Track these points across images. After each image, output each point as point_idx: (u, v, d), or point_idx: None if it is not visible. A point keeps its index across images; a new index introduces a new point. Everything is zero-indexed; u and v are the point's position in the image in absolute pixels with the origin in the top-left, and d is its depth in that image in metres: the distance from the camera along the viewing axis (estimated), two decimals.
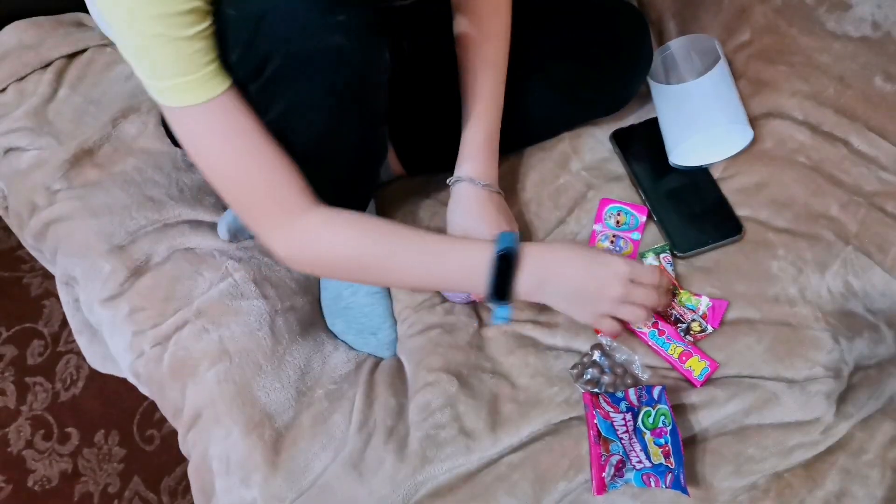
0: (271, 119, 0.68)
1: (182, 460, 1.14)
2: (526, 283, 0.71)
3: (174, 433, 0.86)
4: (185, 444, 0.84)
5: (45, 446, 1.20)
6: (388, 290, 0.90)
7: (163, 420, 1.19)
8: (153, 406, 1.18)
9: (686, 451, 0.75)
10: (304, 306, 0.89)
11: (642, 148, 0.97)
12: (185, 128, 0.65)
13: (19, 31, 1.08)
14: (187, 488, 1.13)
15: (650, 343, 0.82)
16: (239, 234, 0.91)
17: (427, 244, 0.72)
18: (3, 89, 1.04)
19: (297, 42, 0.62)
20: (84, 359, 1.10)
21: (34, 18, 1.10)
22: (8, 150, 1.00)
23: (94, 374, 1.22)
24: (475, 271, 0.70)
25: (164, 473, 1.16)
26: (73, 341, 1.23)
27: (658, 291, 0.76)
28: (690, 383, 0.81)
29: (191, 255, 0.89)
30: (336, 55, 0.63)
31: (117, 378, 0.99)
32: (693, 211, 0.92)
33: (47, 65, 1.06)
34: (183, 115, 0.63)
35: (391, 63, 0.71)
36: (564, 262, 0.73)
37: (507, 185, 0.96)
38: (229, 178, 0.66)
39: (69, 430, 1.21)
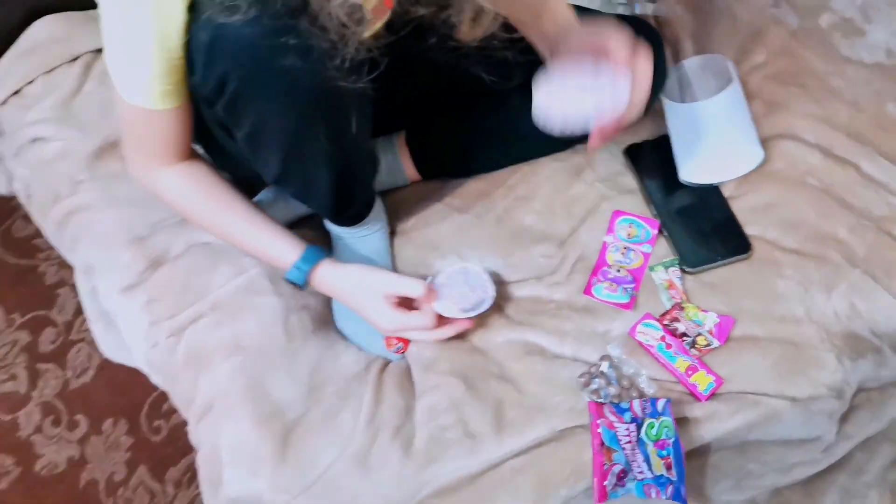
0: (243, 136, 0.71)
1: (188, 452, 1.15)
2: (317, 287, 0.84)
3: (181, 425, 0.87)
4: (196, 434, 0.85)
5: (53, 432, 1.21)
6: None
7: (171, 411, 1.20)
8: (162, 397, 1.19)
9: (687, 463, 0.76)
10: (318, 306, 0.90)
11: (655, 164, 0.99)
12: (128, 110, 0.72)
13: (50, 24, 1.11)
14: (192, 479, 1.14)
15: (657, 356, 0.84)
16: None
17: (248, 226, 0.82)
18: (32, 81, 1.07)
19: (248, 65, 0.64)
20: (96, 348, 1.11)
21: (65, 13, 1.12)
22: (34, 140, 1.02)
23: (105, 364, 1.24)
24: (279, 263, 0.83)
25: (169, 464, 1.17)
26: (86, 330, 1.25)
27: (431, 329, 0.83)
28: (695, 397, 0.82)
29: (208, 250, 0.91)
30: (290, 77, 0.64)
31: (127, 368, 1.00)
32: (703, 227, 0.93)
33: (75, 58, 1.08)
34: (131, 105, 0.70)
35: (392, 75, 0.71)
36: (349, 296, 0.84)
37: (522, 194, 0.97)
38: (135, 132, 0.77)
39: (78, 417, 1.22)
